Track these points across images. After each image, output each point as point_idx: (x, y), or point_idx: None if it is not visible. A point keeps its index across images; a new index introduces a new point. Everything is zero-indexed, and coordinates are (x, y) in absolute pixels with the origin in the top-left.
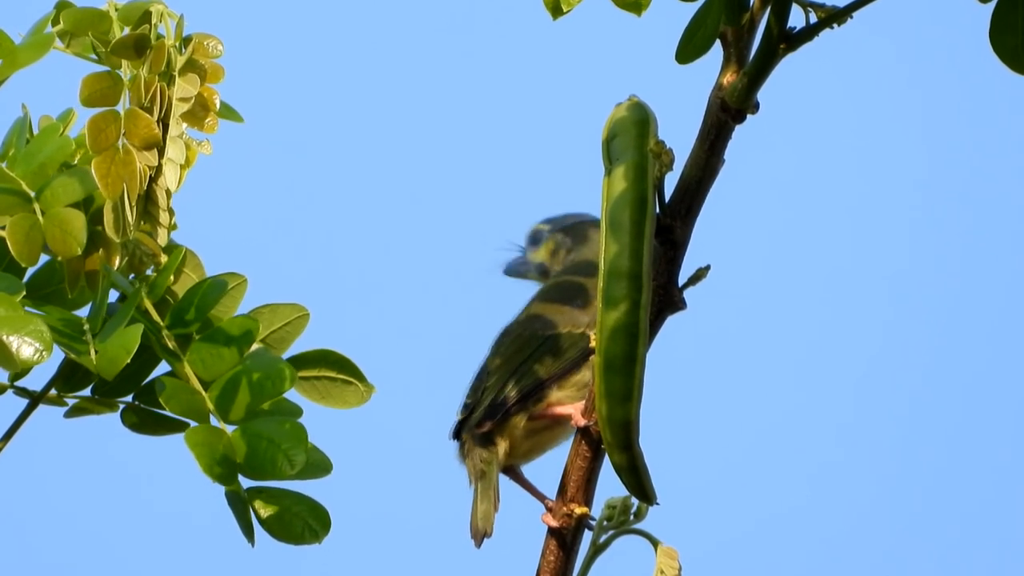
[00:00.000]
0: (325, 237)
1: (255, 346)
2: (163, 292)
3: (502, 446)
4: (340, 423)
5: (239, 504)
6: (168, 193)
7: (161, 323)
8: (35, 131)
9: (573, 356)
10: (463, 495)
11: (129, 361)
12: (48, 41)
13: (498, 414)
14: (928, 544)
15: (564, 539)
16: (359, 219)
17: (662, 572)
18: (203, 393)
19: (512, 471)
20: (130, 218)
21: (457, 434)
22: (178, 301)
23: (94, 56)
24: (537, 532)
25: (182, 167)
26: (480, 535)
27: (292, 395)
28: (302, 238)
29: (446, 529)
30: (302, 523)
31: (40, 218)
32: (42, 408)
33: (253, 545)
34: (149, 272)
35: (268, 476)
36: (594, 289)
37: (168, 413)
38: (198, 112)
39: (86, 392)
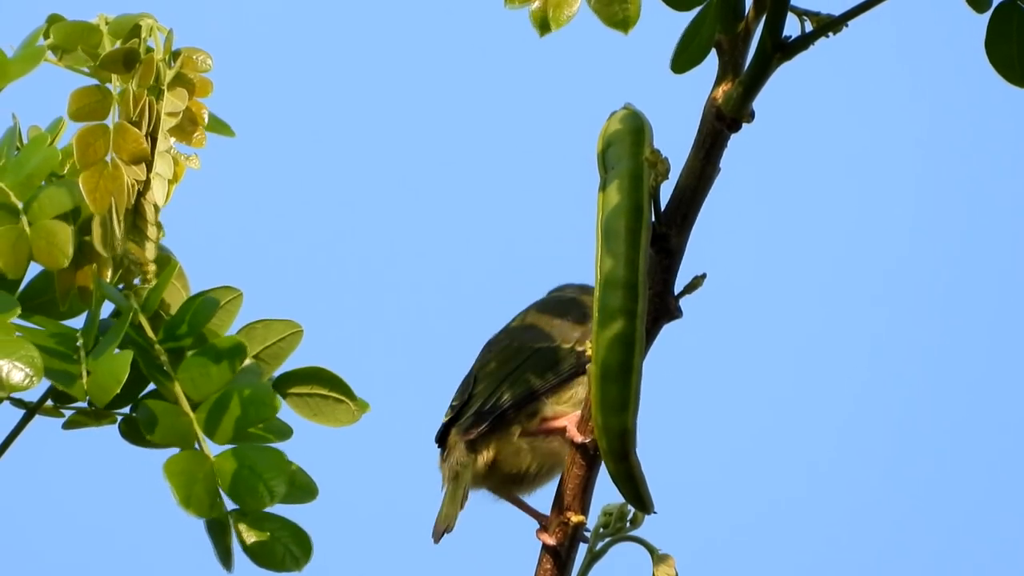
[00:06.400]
0: (319, 250)
1: (247, 362)
2: (156, 306)
3: (484, 456)
4: (336, 438)
5: (219, 529)
6: (156, 207)
7: (154, 338)
8: (26, 142)
9: (564, 371)
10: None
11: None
12: (39, 54)
13: (485, 422)
14: (920, 559)
15: (559, 553)
16: (352, 232)
17: None
18: (191, 415)
19: (510, 494)
20: (118, 232)
21: (442, 438)
22: (171, 316)
23: (86, 69)
24: (531, 544)
25: (170, 182)
26: (439, 532)
27: (284, 412)
28: (295, 251)
29: (439, 544)
30: (284, 549)
31: (27, 229)
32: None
33: (230, 571)
34: (137, 282)
35: (248, 505)
36: (589, 306)
37: None
38: (186, 126)
39: (82, 404)
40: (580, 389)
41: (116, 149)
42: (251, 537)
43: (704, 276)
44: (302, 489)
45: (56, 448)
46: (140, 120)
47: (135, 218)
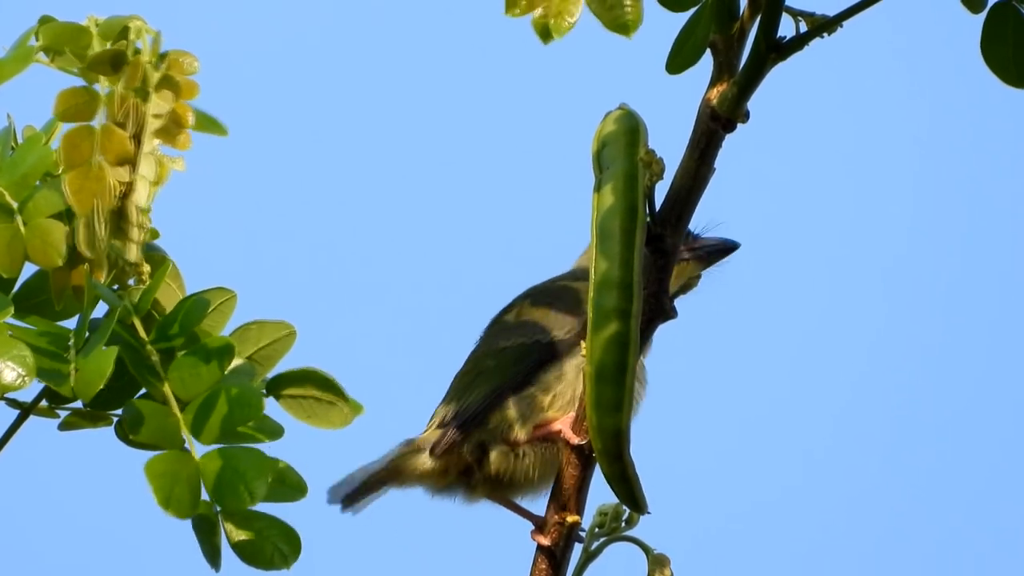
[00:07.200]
0: (315, 252)
1: (239, 362)
2: (149, 306)
3: (449, 460)
4: (330, 439)
5: (207, 527)
6: (139, 209)
7: (145, 338)
8: (20, 142)
9: (526, 365)
10: (452, 514)
11: (104, 385)
12: (29, 54)
13: (449, 431)
14: (916, 555)
15: (553, 553)
16: (349, 233)
17: None
18: (178, 415)
19: (503, 498)
20: (100, 233)
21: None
22: (163, 317)
23: (76, 70)
24: (526, 544)
25: (153, 184)
26: (337, 497)
27: (277, 413)
28: (291, 252)
29: (434, 545)
30: (272, 547)
31: (22, 229)
32: (35, 418)
33: (218, 570)
34: (131, 283)
35: (229, 506)
36: (575, 293)
37: None
38: (171, 128)
39: (77, 404)
40: (568, 391)
41: (102, 150)
42: (239, 535)
43: (699, 276)
44: (292, 487)
45: (51, 449)
46: (125, 122)
47: (119, 220)
